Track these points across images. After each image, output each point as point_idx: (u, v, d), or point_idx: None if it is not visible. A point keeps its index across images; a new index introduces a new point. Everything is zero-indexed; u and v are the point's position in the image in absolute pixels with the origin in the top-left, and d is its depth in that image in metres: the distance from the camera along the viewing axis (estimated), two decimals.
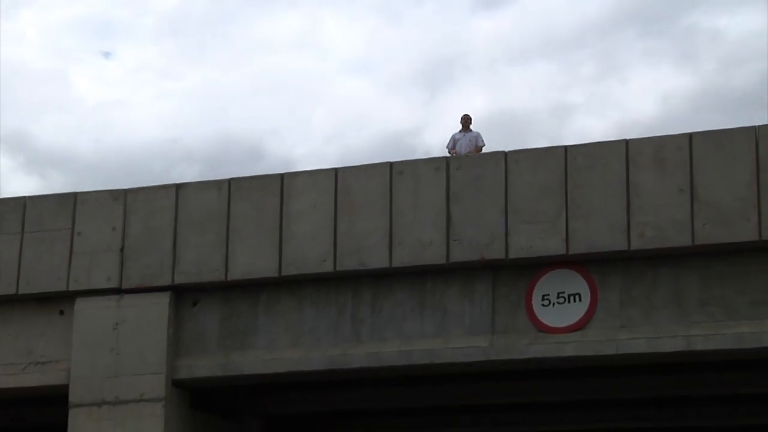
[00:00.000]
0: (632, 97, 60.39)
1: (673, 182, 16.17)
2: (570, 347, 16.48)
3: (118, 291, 18.10)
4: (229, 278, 17.68)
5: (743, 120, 19.29)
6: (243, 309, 17.86)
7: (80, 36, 64.72)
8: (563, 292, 16.64)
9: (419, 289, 17.20)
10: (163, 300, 17.89)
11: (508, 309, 16.84)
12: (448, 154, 20.42)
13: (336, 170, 17.61)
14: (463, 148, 20.98)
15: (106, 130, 61.54)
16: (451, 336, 16.95)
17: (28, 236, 18.53)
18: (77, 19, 63.87)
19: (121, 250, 18.16)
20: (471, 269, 16.95)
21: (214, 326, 17.92)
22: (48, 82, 62.84)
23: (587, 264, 16.59)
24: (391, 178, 17.27)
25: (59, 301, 18.45)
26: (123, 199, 18.33)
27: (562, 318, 16.60)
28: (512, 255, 16.64)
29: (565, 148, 16.80)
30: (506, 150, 17.11)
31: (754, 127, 16.15)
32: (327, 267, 17.26)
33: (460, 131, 21.32)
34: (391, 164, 17.40)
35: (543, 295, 16.70)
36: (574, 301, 16.60)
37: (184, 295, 18.04)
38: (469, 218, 16.82)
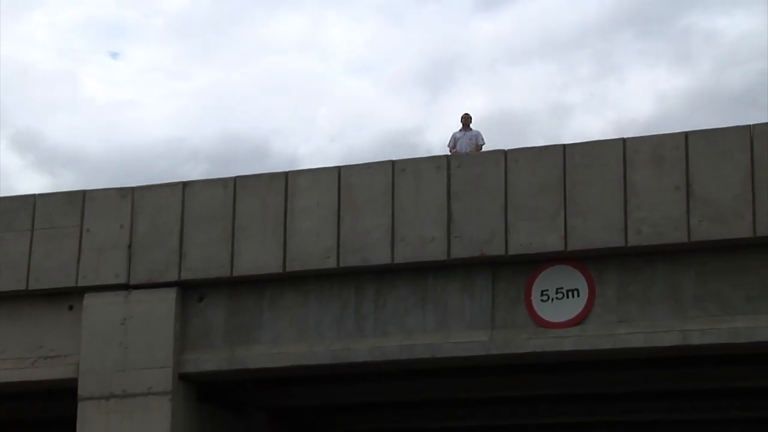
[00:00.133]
0: (630, 97, 60.36)
1: (670, 180, 16.17)
2: (568, 342, 16.49)
3: (125, 287, 18.11)
4: (234, 274, 17.69)
5: (738, 119, 19.27)
6: (248, 304, 17.87)
7: (88, 37, 64.72)
8: (562, 288, 16.64)
9: (421, 284, 17.21)
10: (170, 296, 17.90)
11: (507, 304, 16.85)
12: (449, 153, 20.40)
13: (339, 168, 17.62)
14: (463, 146, 20.96)
15: (114, 130, 61.55)
16: (451, 331, 16.96)
17: (38, 233, 18.54)
18: (85, 20, 63.86)
19: (129, 246, 18.17)
20: (471, 265, 16.95)
21: (219, 321, 17.93)
22: (57, 82, 62.85)
23: (585, 260, 16.59)
24: (393, 176, 17.27)
25: (68, 296, 18.47)
26: (131, 196, 18.35)
27: (560, 313, 16.60)
28: (512, 251, 16.65)
29: (564, 146, 16.80)
30: (506, 148, 17.12)
31: (749, 126, 16.15)
32: (330, 263, 17.27)
33: (460, 130, 21.31)
34: (393, 162, 17.41)
35: (542, 291, 16.71)
36: (573, 296, 16.61)
37: (191, 291, 18.05)
38: (470, 215, 16.83)
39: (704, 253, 16.18)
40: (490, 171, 16.92)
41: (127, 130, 62.22)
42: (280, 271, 17.49)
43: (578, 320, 16.53)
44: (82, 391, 17.91)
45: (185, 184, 18.22)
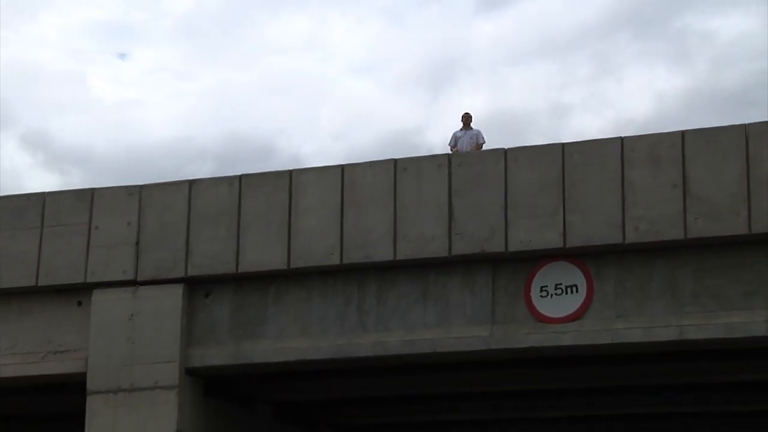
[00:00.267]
0: (627, 97, 60.35)
1: (667, 178, 16.15)
2: (567, 337, 16.47)
3: (133, 283, 18.11)
4: (240, 270, 17.68)
5: (734, 118, 19.28)
6: (253, 300, 17.86)
7: (97, 38, 64.74)
8: (561, 284, 16.63)
9: (422, 281, 17.20)
10: (177, 291, 17.90)
11: (507, 300, 16.83)
12: (450, 152, 20.38)
13: (342, 167, 17.60)
14: (464, 145, 20.94)
15: (122, 129, 61.58)
16: (452, 326, 16.94)
17: (48, 230, 18.54)
18: (94, 22, 63.87)
19: (137, 243, 18.16)
20: (472, 262, 16.94)
21: (225, 317, 17.92)
22: (66, 83, 62.88)
23: (584, 257, 16.57)
24: (396, 175, 17.26)
25: (77, 292, 18.46)
26: (138, 194, 18.34)
27: (559, 309, 16.58)
28: (512, 248, 16.63)
29: (563, 145, 16.78)
30: (506, 147, 17.09)
31: (745, 125, 16.12)
32: (334, 260, 17.26)
33: (461, 129, 21.28)
34: (395, 161, 17.39)
35: (541, 287, 16.69)
36: (571, 292, 16.59)
37: (197, 287, 18.04)
38: (470, 213, 16.81)
39: (701, 250, 16.16)
40: (490, 169, 16.90)
41: (134, 130, 62.25)
42: (285, 267, 17.48)
43: (577, 315, 16.51)
44: (90, 385, 17.91)
45: (191, 183, 18.21)
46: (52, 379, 18.57)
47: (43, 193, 18.92)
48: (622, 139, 16.54)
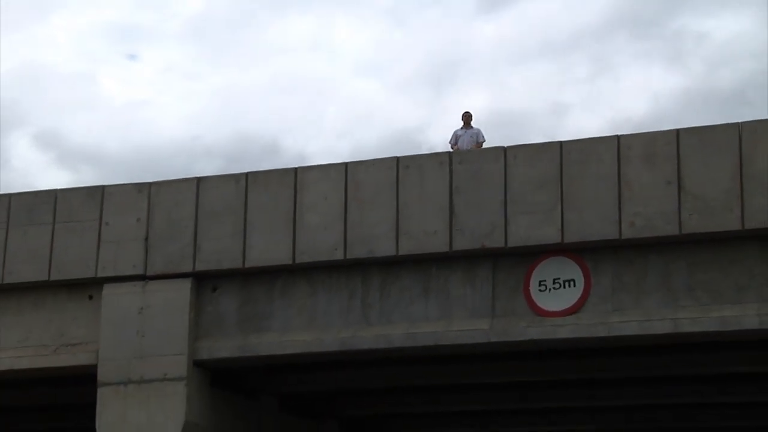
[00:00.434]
0: (624, 96, 60.33)
1: (662, 175, 16.14)
2: (565, 330, 16.48)
3: (142, 277, 18.12)
4: (246, 265, 17.69)
5: (728, 117, 19.27)
6: (260, 294, 17.87)
7: (107, 39, 64.76)
8: (559, 278, 16.63)
9: (424, 275, 17.20)
10: (185, 286, 17.91)
11: (507, 294, 16.83)
12: (451, 150, 20.38)
13: (346, 164, 17.60)
14: (464, 143, 20.91)
15: (132, 128, 61.62)
16: (453, 319, 16.95)
17: (59, 226, 18.55)
18: (104, 24, 63.88)
19: (146, 239, 18.17)
20: (472, 257, 16.94)
21: (232, 310, 17.93)
22: (77, 83, 62.91)
23: (581, 252, 16.57)
24: (398, 172, 17.26)
25: (88, 287, 18.48)
26: (147, 191, 18.35)
27: (557, 302, 16.59)
28: (511, 243, 16.63)
29: (561, 143, 16.77)
30: (505, 145, 17.09)
31: (738, 123, 16.12)
32: (338, 255, 17.27)
33: (461, 128, 21.26)
34: (397, 159, 17.39)
35: (540, 281, 16.69)
36: (569, 286, 16.59)
37: (205, 282, 18.05)
38: (471, 209, 16.81)
39: (695, 245, 16.16)
40: (490, 167, 16.90)
41: (144, 129, 62.28)
42: (290, 262, 17.49)
43: (575, 309, 16.51)
44: (101, 377, 17.93)
45: (199, 180, 18.22)
46: (64, 371, 18.58)
47: (55, 190, 18.93)
48: (618, 138, 16.54)
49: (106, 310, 18.16)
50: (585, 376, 19.98)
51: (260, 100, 63.61)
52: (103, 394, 17.87)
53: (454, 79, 61.37)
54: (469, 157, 17.35)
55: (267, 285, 17.85)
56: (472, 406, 23.05)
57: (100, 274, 18.25)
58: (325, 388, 21.03)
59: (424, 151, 17.75)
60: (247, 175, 17.99)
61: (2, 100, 61.80)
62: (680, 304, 16.15)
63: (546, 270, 16.70)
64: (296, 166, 17.88)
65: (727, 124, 16.15)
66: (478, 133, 21.12)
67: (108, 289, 18.20)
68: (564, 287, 16.60)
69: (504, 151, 16.97)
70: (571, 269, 16.61)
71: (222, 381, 18.54)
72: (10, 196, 19.00)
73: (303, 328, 17.57)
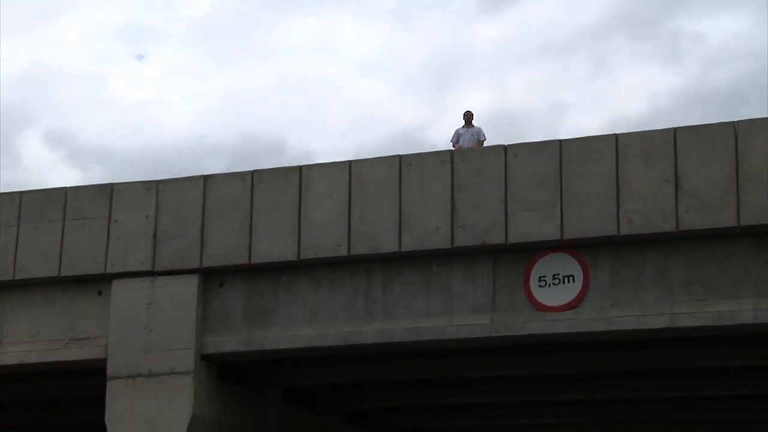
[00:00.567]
0: (622, 96, 60.33)
1: (659, 173, 16.13)
2: (564, 324, 16.47)
3: (151, 273, 18.12)
4: (252, 261, 17.69)
5: (724, 116, 19.25)
6: (265, 290, 17.87)
7: (116, 40, 64.79)
8: (558, 274, 16.62)
9: (426, 271, 17.19)
10: (192, 281, 17.91)
11: (507, 289, 16.83)
12: (453, 148, 20.37)
13: (350, 162, 17.60)
14: (466, 142, 20.89)
15: (140, 128, 61.66)
16: (455, 314, 16.94)
17: (69, 223, 18.56)
18: (113, 25, 63.91)
19: (154, 236, 18.18)
20: (474, 253, 16.94)
21: (238, 305, 17.93)
22: (87, 83, 62.95)
23: (580, 248, 16.56)
24: (401, 170, 17.25)
25: (98, 282, 18.48)
26: (155, 189, 18.35)
27: (557, 297, 16.58)
28: (511, 240, 16.62)
29: (560, 142, 16.76)
30: (506, 144, 17.09)
31: (734, 122, 16.11)
32: (342, 251, 17.27)
33: (463, 127, 21.24)
34: (400, 157, 17.38)
35: (540, 277, 16.68)
36: (568, 282, 16.58)
37: (212, 277, 18.06)
38: (472, 206, 16.80)
39: (691, 241, 16.15)
40: (491, 165, 16.89)
41: (152, 128, 62.32)
42: (295, 258, 17.49)
43: (574, 304, 16.51)
44: (110, 370, 17.94)
45: (206, 178, 18.22)
46: (74, 365, 18.59)
47: (65, 188, 18.94)
48: (616, 136, 16.53)
49: (115, 306, 18.17)
50: (584, 369, 19.98)
51: (266, 100, 63.65)
52: (112, 388, 17.88)
53: (455, 79, 61.39)
54: (470, 156, 17.35)
55: (272, 280, 17.85)
56: (473, 399, 23.06)
57: (109, 270, 18.26)
58: (329, 381, 21.04)
59: (426, 149, 17.76)
60: (252, 173, 17.99)
61: (13, 100, 61.81)
62: (677, 299, 16.14)
63: (546, 266, 16.69)
64: (301, 164, 17.88)
65: (724, 123, 16.14)
66: (479, 132, 21.10)
67: (117, 285, 18.21)
68: (563, 283, 16.60)
69: (504, 150, 16.96)
70: (570, 265, 16.60)
71: (228, 375, 18.55)
72: (21, 193, 19.01)
73: (307, 323, 17.57)
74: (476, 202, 16.78)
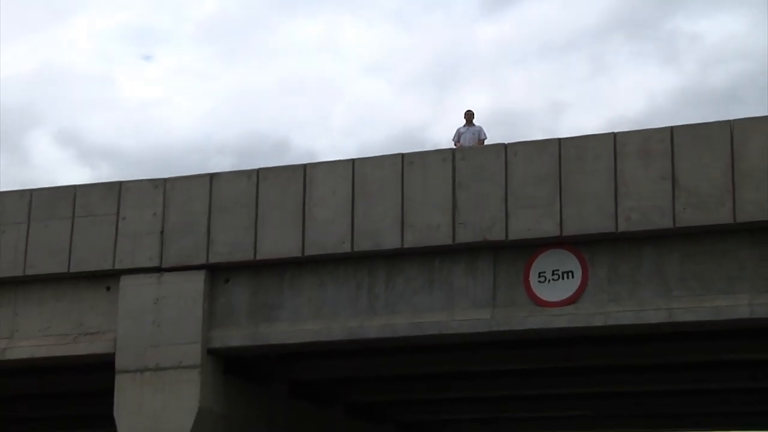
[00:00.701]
0: (620, 95, 60.34)
1: (657, 171, 16.11)
2: (563, 319, 16.45)
3: (158, 269, 18.12)
4: (257, 258, 17.68)
5: (720, 114, 19.21)
6: (270, 285, 17.86)
7: (124, 41, 64.83)
8: (557, 270, 16.60)
9: (428, 267, 17.18)
10: (199, 277, 17.90)
11: (508, 285, 16.81)
12: (454, 147, 20.34)
13: (353, 161, 17.58)
14: (467, 140, 20.86)
15: (148, 127, 61.71)
16: (456, 309, 16.93)
17: (79, 220, 18.56)
18: (121, 26, 63.97)
19: (161, 233, 18.17)
20: (475, 249, 16.92)
21: (244, 301, 17.93)
22: (95, 83, 63.02)
23: (579, 244, 16.54)
24: (403, 168, 17.24)
25: (106, 278, 18.48)
26: (163, 187, 18.34)
27: (556, 293, 16.56)
28: (512, 237, 16.61)
29: (559, 140, 16.74)
30: (506, 142, 17.07)
31: (730, 120, 16.08)
32: (345, 248, 17.25)
33: (464, 125, 21.20)
34: (402, 155, 17.37)
35: (539, 273, 16.66)
36: (567, 277, 16.56)
37: (218, 273, 18.05)
38: (473, 204, 16.79)
39: (688, 238, 16.13)
40: (491, 163, 16.87)
41: (159, 127, 62.36)
42: (299, 255, 17.48)
43: (573, 299, 16.49)
44: (118, 364, 17.94)
45: (212, 176, 18.21)
46: (83, 359, 18.59)
47: (74, 186, 18.94)
48: (614, 135, 16.51)
49: (123, 301, 18.17)
50: (582, 363, 19.97)
51: (271, 100, 63.66)
52: (120, 381, 17.89)
53: (456, 78, 61.39)
54: (471, 154, 17.33)
55: (277, 276, 17.84)
56: (474, 392, 23.06)
57: (118, 266, 18.26)
58: (333, 375, 21.03)
59: (428, 148, 17.74)
60: (258, 171, 17.98)
61: (24, 100, 61.87)
62: (674, 295, 16.12)
63: (545, 262, 16.67)
64: (305, 162, 17.87)
65: (720, 122, 16.11)
66: (480, 131, 21.06)
67: (125, 281, 18.20)
68: (562, 278, 16.58)
69: (505, 148, 16.95)
70: (569, 261, 16.58)
71: (234, 369, 18.55)
72: (31, 191, 19.01)
73: (312, 318, 17.56)
74: (477, 199, 16.76)
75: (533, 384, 21.77)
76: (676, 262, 16.14)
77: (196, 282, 17.88)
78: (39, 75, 62.81)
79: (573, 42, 61.14)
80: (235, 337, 17.79)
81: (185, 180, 18.33)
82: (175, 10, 64.46)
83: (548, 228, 16.43)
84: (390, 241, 17.06)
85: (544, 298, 16.60)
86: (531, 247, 16.71)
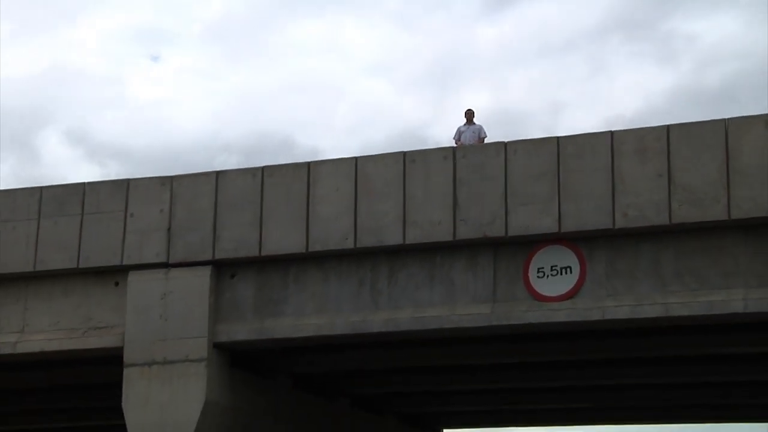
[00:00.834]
0: (618, 94, 60.29)
1: (653, 168, 16.11)
2: (562, 314, 16.46)
3: (165, 265, 18.13)
4: (262, 254, 17.69)
5: (715, 113, 19.20)
6: (275, 281, 17.87)
7: (132, 42, 64.80)
8: (556, 265, 16.60)
9: (429, 263, 17.18)
10: (205, 273, 17.92)
11: (507, 280, 16.81)
12: (455, 145, 20.34)
13: (356, 159, 17.58)
14: (467, 139, 20.83)
15: (155, 125, 61.72)
16: (457, 304, 16.94)
17: (88, 217, 18.57)
18: (129, 27, 63.94)
19: (168, 229, 18.18)
20: (475, 245, 16.93)
21: (249, 296, 17.94)
22: (104, 83, 62.99)
23: (577, 240, 16.54)
24: (405, 166, 17.24)
25: (114, 274, 18.50)
26: (170, 184, 18.35)
27: (555, 288, 16.56)
28: (511, 233, 16.61)
29: (558, 139, 16.74)
30: (506, 141, 17.07)
31: (724, 119, 16.08)
32: (348, 244, 17.26)
33: (464, 124, 21.17)
34: (404, 153, 17.37)
35: (538, 268, 16.66)
36: (566, 273, 16.57)
37: (224, 269, 18.06)
38: (473, 201, 16.79)
39: (684, 234, 16.13)
40: (491, 161, 16.87)
41: (166, 126, 62.38)
42: (304, 251, 17.49)
43: (571, 294, 16.49)
44: (127, 358, 17.96)
45: (218, 174, 18.22)
46: (92, 353, 18.61)
47: (83, 183, 18.95)
48: (612, 133, 16.51)
49: (131, 296, 18.18)
50: (581, 357, 19.97)
51: (275, 99, 63.65)
52: (128, 375, 17.91)
53: (457, 78, 61.35)
54: (471, 152, 17.33)
55: (282, 272, 17.85)
56: (474, 385, 23.06)
57: (126, 262, 18.27)
58: (337, 368, 21.05)
59: (430, 146, 17.75)
60: (263, 169, 17.98)
61: (34, 100, 61.91)
62: (670, 290, 16.12)
63: (544, 258, 16.68)
64: (309, 160, 17.88)
65: (714, 121, 16.11)
66: (480, 129, 21.04)
67: (133, 276, 18.22)
68: (561, 274, 16.58)
69: (504, 146, 16.95)
70: (567, 257, 16.59)
71: (240, 362, 18.56)
72: (41, 188, 19.03)
73: (315, 313, 17.57)
74: (477, 196, 16.76)
75: (532, 377, 21.77)
76: (672, 258, 16.15)
77: (203, 277, 17.89)
78: (49, 75, 62.85)
79: (571, 42, 61.11)
80: (240, 331, 17.80)
81: (192, 177, 18.33)
82: (183, 12, 64.44)
83: (547, 224, 16.43)
84: (392, 237, 17.06)
85: (543, 293, 16.60)
86: (530, 243, 16.72)
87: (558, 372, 21.34)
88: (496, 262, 16.89)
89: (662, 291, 16.13)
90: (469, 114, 21.24)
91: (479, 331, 17.12)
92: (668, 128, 16.25)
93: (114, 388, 18.50)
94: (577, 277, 16.51)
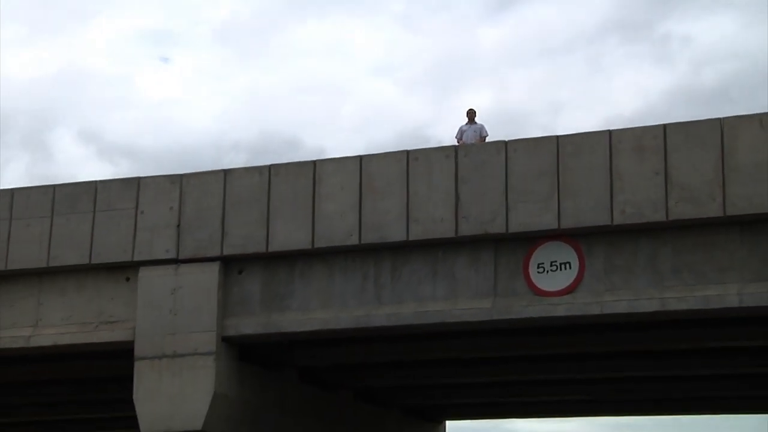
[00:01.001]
0: (616, 94, 60.25)
1: (650, 166, 16.09)
2: (561, 308, 16.45)
3: (175, 261, 18.14)
4: (269, 250, 17.69)
5: (711, 113, 19.13)
6: (281, 276, 17.87)
7: (142, 44, 64.86)
8: (555, 261, 16.60)
9: (432, 258, 17.18)
10: (214, 269, 17.92)
11: (508, 276, 16.81)
12: (457, 144, 20.33)
13: (360, 157, 17.58)
14: (469, 138, 20.83)
15: (165, 125, 61.77)
16: (459, 299, 16.93)
17: (99, 214, 18.58)
18: (140, 29, 63.98)
19: (178, 226, 18.19)
20: (476, 242, 16.92)
21: (256, 291, 17.94)
22: (115, 84, 63.04)
23: (576, 237, 16.54)
24: (408, 164, 17.23)
25: (125, 269, 18.51)
26: (179, 182, 18.36)
27: (554, 283, 16.56)
28: (512, 229, 16.60)
29: (557, 137, 16.73)
30: (506, 139, 17.06)
31: (720, 118, 16.06)
32: (353, 240, 17.26)
33: (466, 123, 21.17)
34: (407, 152, 17.37)
35: (538, 264, 16.66)
36: (565, 268, 16.56)
37: (232, 265, 18.07)
38: (475, 198, 16.78)
39: (680, 230, 16.11)
40: (492, 159, 16.86)
41: (176, 125, 62.41)
42: (309, 247, 17.49)
43: (570, 289, 16.49)
44: (137, 351, 17.98)
45: (226, 172, 18.23)
46: (103, 346, 18.63)
47: (95, 181, 18.96)
48: (610, 132, 16.49)
49: (141, 291, 18.19)
50: (580, 350, 19.97)
51: (282, 99, 63.67)
52: (139, 368, 17.92)
53: (459, 79, 61.35)
54: (473, 150, 17.32)
55: (288, 268, 17.85)
56: (475, 378, 23.05)
57: (137, 258, 18.28)
58: (342, 361, 21.05)
59: (432, 145, 17.75)
60: (270, 167, 17.99)
61: (47, 100, 61.98)
62: (667, 285, 16.11)
63: (544, 253, 16.67)
64: (315, 159, 17.87)
65: (710, 120, 16.09)
66: (482, 129, 21.03)
67: (143, 272, 18.23)
68: (560, 269, 16.58)
69: (505, 145, 16.94)
70: (566, 253, 16.58)
71: (248, 355, 18.57)
72: (54, 186, 19.04)
73: (321, 307, 17.58)
74: (479, 194, 16.76)
75: (533, 370, 21.76)
76: (669, 254, 16.13)
77: (211, 273, 17.89)
78: (61, 77, 62.89)
79: (571, 44, 61.08)
80: (248, 325, 17.81)
81: (200, 176, 18.34)
82: (192, 14, 64.47)
83: (547, 221, 16.42)
84: (396, 233, 17.06)
85: (543, 288, 16.59)
86: (530, 240, 16.71)
87: (557, 365, 21.34)
88: (497, 258, 16.88)
89: (659, 286, 16.12)
90: (471, 113, 21.24)
91: (481, 325, 17.11)
92: (665, 127, 16.23)
93: (125, 381, 18.52)
94: (576, 273, 16.50)
